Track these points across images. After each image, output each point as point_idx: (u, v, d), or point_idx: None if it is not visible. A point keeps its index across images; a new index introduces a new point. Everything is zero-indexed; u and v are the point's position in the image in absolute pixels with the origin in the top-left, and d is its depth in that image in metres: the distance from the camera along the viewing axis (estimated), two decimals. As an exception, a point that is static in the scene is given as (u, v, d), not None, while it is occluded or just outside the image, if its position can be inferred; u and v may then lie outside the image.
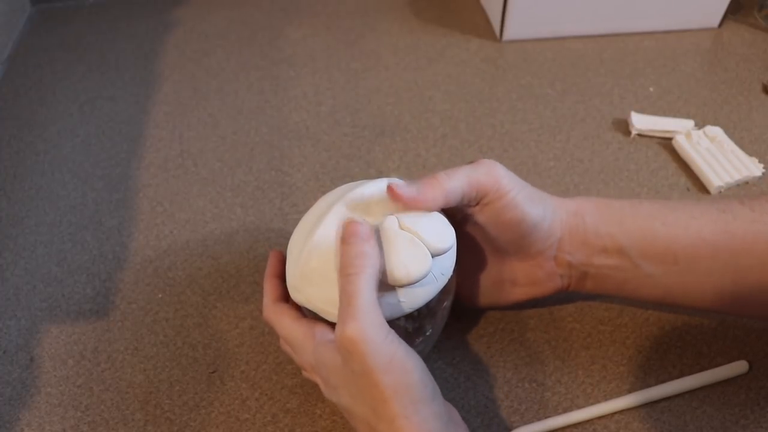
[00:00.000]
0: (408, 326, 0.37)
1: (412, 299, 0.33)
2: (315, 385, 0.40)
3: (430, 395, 0.30)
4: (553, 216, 0.36)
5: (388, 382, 0.29)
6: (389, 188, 0.33)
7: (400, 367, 0.29)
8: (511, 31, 0.70)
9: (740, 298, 0.36)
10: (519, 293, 0.41)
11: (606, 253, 0.37)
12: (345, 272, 0.31)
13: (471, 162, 0.35)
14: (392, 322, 0.34)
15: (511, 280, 0.40)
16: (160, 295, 0.48)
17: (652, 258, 0.36)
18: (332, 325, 0.34)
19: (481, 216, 0.36)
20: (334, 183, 0.55)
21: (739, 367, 0.40)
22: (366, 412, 0.30)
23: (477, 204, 0.35)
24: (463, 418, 0.39)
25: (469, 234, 0.39)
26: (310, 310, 0.35)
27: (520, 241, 0.37)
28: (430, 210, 0.34)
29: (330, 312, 0.33)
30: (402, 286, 0.32)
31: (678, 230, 0.35)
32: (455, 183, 0.33)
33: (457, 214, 0.37)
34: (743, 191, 0.52)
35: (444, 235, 0.33)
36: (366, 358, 0.29)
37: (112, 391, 0.42)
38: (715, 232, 0.35)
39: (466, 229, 0.39)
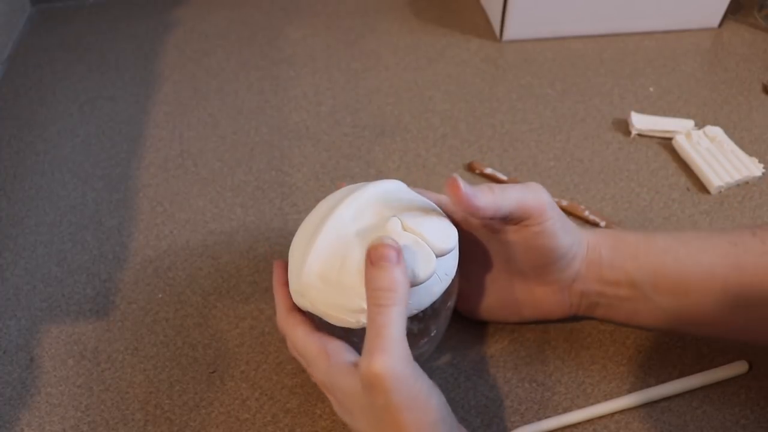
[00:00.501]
0: (413, 327, 0.37)
1: (417, 301, 0.33)
2: (315, 385, 0.40)
3: (447, 422, 0.30)
4: (578, 248, 0.37)
5: (410, 420, 0.29)
6: (451, 180, 0.32)
7: (423, 405, 0.29)
8: (511, 31, 0.70)
9: (749, 328, 0.37)
10: (525, 314, 0.41)
11: (618, 285, 0.37)
12: (376, 303, 0.30)
13: (520, 182, 0.36)
14: None
15: (520, 300, 0.40)
16: (160, 295, 0.48)
17: (663, 291, 0.37)
18: (343, 337, 0.34)
19: (514, 236, 0.36)
20: (334, 183, 0.55)
21: (739, 367, 0.40)
22: None
23: (517, 224, 0.35)
24: (463, 418, 0.39)
25: (488, 249, 0.39)
26: (314, 315, 0.35)
27: (544, 268, 0.37)
28: (476, 215, 0.33)
29: (334, 316, 0.33)
30: None
31: (689, 265, 0.36)
32: (508, 200, 0.34)
33: (489, 228, 0.37)
34: (743, 191, 0.52)
35: (447, 235, 0.33)
36: (391, 395, 0.28)
37: (112, 391, 0.42)
38: (725, 266, 0.35)
39: (490, 244, 0.39)
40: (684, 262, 0.36)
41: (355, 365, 0.31)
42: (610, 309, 0.39)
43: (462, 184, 0.32)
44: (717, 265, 0.36)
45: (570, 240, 0.36)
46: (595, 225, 0.50)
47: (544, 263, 0.37)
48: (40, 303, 0.48)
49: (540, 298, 0.39)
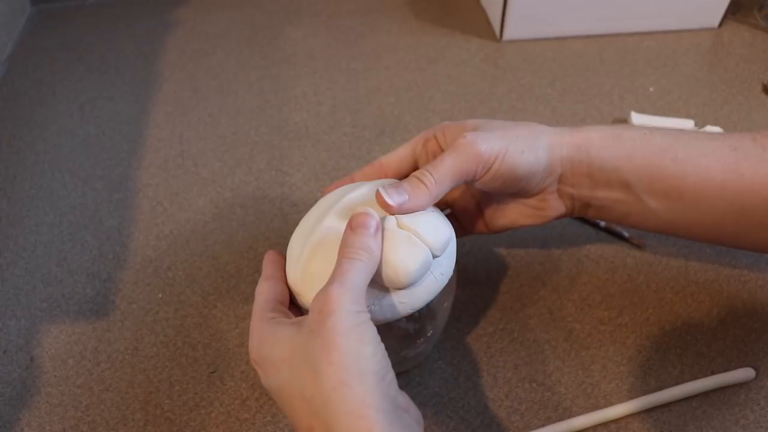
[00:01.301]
0: (409, 327, 0.37)
1: (413, 300, 0.33)
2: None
3: (380, 371, 0.28)
4: (549, 156, 0.36)
5: (341, 344, 0.27)
6: (377, 196, 0.33)
7: (358, 336, 0.28)
8: (511, 31, 0.70)
9: (741, 234, 0.36)
10: (524, 220, 0.41)
11: (609, 187, 0.37)
12: (346, 255, 0.30)
13: (453, 143, 0.35)
14: (394, 324, 0.34)
15: (516, 211, 0.40)
16: (160, 295, 0.48)
17: (657, 194, 0.36)
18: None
19: (475, 185, 0.36)
20: (334, 183, 0.55)
21: (745, 373, 0.40)
22: (304, 383, 0.28)
23: (467, 183, 0.36)
24: (463, 418, 0.39)
25: (467, 189, 0.41)
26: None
27: (517, 189, 0.37)
28: (419, 209, 0.34)
29: None
30: (403, 285, 0.32)
31: (687, 167, 0.35)
32: (443, 181, 0.34)
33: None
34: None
35: (443, 233, 0.33)
36: (331, 316, 0.28)
37: (112, 391, 0.42)
38: (723, 171, 0.35)
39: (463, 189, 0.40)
40: (682, 164, 0.35)
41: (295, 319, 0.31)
42: (601, 210, 0.38)
43: (389, 197, 0.33)
44: (715, 169, 0.35)
45: (531, 157, 0.35)
46: (596, 226, 0.50)
47: (516, 187, 0.37)
48: (40, 303, 0.48)
49: (532, 206, 0.39)
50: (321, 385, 0.27)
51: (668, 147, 0.36)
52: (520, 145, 0.35)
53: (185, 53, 0.73)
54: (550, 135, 0.37)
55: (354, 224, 0.31)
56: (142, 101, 0.66)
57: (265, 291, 0.34)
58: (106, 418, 0.41)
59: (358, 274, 0.30)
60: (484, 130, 0.36)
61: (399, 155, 0.40)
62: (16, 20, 0.79)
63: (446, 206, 0.43)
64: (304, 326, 0.29)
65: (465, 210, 0.42)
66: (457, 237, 0.37)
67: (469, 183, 0.36)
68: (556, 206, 0.39)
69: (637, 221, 0.38)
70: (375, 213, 0.32)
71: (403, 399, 0.30)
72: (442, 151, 0.38)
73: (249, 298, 0.47)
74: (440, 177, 0.34)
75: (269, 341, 0.30)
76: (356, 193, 0.35)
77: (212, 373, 0.43)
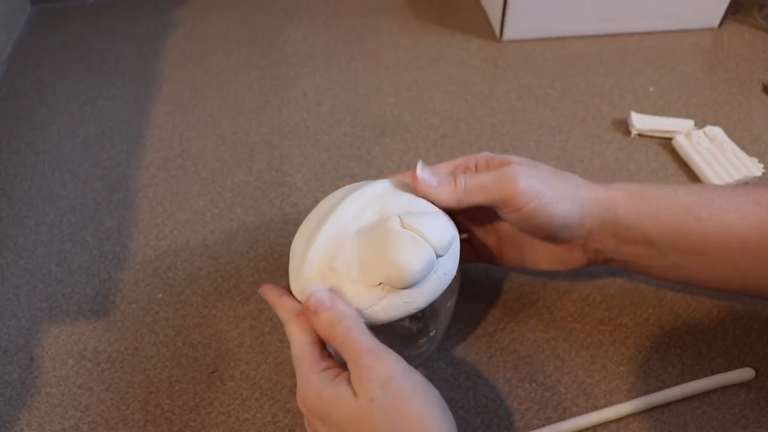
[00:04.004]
0: (412, 327, 0.37)
1: (416, 300, 0.33)
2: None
3: (451, 421, 0.30)
4: (583, 210, 0.36)
5: (413, 409, 0.29)
6: (414, 169, 0.35)
7: (423, 394, 0.30)
8: (511, 31, 0.70)
9: (763, 286, 0.37)
10: (543, 266, 0.41)
11: (634, 243, 0.37)
12: (335, 331, 0.31)
13: (496, 168, 0.36)
14: (397, 323, 0.34)
15: (537, 254, 0.41)
16: (160, 295, 0.48)
17: (680, 251, 0.36)
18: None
19: (504, 217, 0.37)
20: (334, 183, 0.55)
21: (745, 373, 0.40)
22: None
23: (498, 209, 0.36)
24: (463, 418, 0.39)
25: (494, 222, 0.41)
26: None
27: (546, 235, 0.37)
28: (438, 204, 0.35)
29: None
30: (406, 285, 0.32)
31: (710, 225, 0.35)
32: (473, 194, 0.34)
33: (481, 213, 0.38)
34: (743, 191, 0.52)
35: (446, 232, 0.33)
36: (391, 385, 0.29)
37: (112, 391, 0.42)
38: (747, 228, 0.35)
39: (496, 220, 0.40)
40: (705, 222, 0.35)
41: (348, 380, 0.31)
42: (625, 264, 0.39)
43: (420, 172, 0.34)
44: (738, 226, 0.35)
45: (568, 207, 0.36)
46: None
47: (546, 233, 0.37)
48: (40, 303, 0.48)
49: (555, 254, 0.40)
50: None
51: (692, 206, 0.36)
52: (558, 194, 0.36)
53: (185, 53, 0.73)
54: (586, 189, 0.37)
55: (312, 308, 0.32)
56: (142, 101, 0.66)
57: (306, 332, 0.33)
58: (106, 418, 0.41)
59: (365, 334, 0.31)
60: (528, 168, 0.36)
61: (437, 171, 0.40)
62: (16, 20, 0.79)
63: (466, 231, 0.43)
64: (360, 396, 0.29)
65: (483, 240, 0.42)
66: (465, 262, 0.38)
67: (498, 211, 0.36)
68: (579, 257, 0.39)
69: (659, 274, 0.39)
70: (316, 286, 0.33)
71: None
72: None
73: (249, 298, 0.47)
74: (473, 188, 0.34)
75: (330, 401, 0.31)
76: (359, 193, 0.35)
77: (212, 373, 0.43)
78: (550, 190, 0.35)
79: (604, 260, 0.39)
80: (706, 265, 0.37)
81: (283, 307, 0.35)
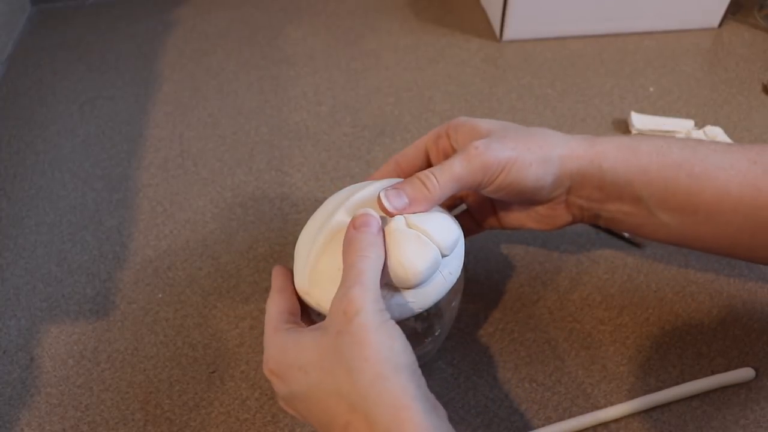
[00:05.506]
0: (417, 326, 0.37)
1: (421, 299, 0.33)
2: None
3: (411, 365, 0.29)
4: (559, 170, 0.36)
5: (373, 340, 0.28)
6: (378, 200, 0.33)
7: (387, 332, 0.29)
8: (511, 31, 0.70)
9: (756, 249, 0.36)
10: (532, 224, 0.40)
11: (621, 200, 0.36)
12: (354, 252, 0.31)
13: (463, 149, 0.35)
14: (402, 323, 0.34)
15: (523, 216, 0.40)
16: (160, 295, 0.48)
17: (670, 208, 0.35)
18: None
19: (480, 193, 0.36)
20: (334, 183, 0.55)
21: (745, 373, 0.40)
22: (338, 381, 0.28)
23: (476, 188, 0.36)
24: (463, 418, 0.39)
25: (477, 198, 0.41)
26: (319, 314, 0.35)
27: (523, 199, 0.37)
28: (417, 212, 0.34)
29: None
30: (412, 284, 0.32)
31: (703, 182, 0.34)
32: (445, 188, 0.34)
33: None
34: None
35: (452, 232, 0.33)
36: (358, 315, 0.28)
37: (112, 391, 0.42)
38: (742, 186, 0.34)
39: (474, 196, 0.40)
40: (698, 179, 0.34)
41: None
42: (611, 221, 0.38)
43: (384, 201, 0.33)
44: (732, 184, 0.34)
45: (540, 171, 0.35)
46: (596, 226, 0.50)
47: (522, 198, 0.37)
48: (40, 303, 0.48)
49: (540, 212, 0.39)
50: (358, 381, 0.27)
51: (685, 161, 0.35)
52: (529, 158, 0.35)
53: (185, 53, 0.73)
54: (562, 147, 0.36)
55: (357, 224, 0.32)
56: (142, 101, 0.66)
57: (276, 303, 0.34)
58: (106, 418, 0.41)
59: (373, 273, 0.30)
60: (497, 138, 0.35)
61: (412, 152, 0.40)
62: (16, 20, 0.79)
63: (460, 201, 0.43)
64: (329, 329, 0.29)
65: (479, 205, 0.42)
66: (469, 234, 0.37)
67: (474, 190, 0.36)
68: (563, 215, 0.39)
69: (648, 233, 0.38)
70: (375, 213, 0.32)
71: (432, 395, 0.30)
72: (453, 150, 0.38)
73: (249, 298, 0.47)
74: (444, 182, 0.34)
75: (293, 349, 0.30)
76: (364, 192, 0.35)
77: (212, 373, 0.43)
78: (519, 156, 0.34)
79: (590, 217, 0.38)
80: (696, 225, 0.35)
81: (273, 283, 0.35)
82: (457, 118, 0.38)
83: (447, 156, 0.37)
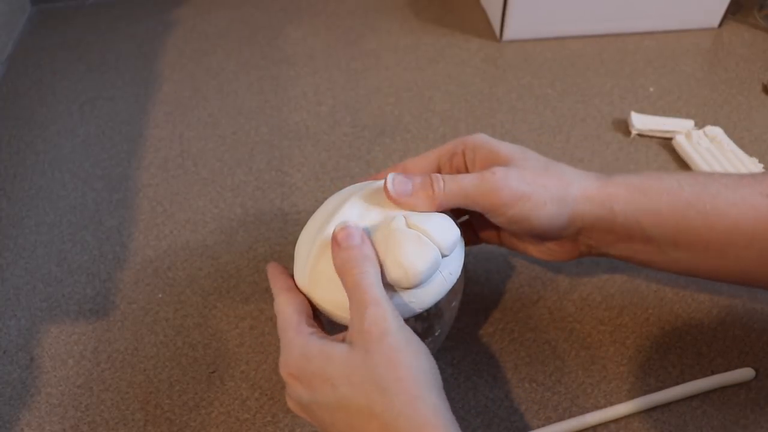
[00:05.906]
0: (418, 327, 0.37)
1: (422, 300, 0.33)
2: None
3: (438, 382, 0.30)
4: (572, 211, 0.35)
5: (405, 360, 0.28)
6: (384, 185, 0.33)
7: (415, 350, 0.29)
8: (511, 31, 0.70)
9: (766, 280, 0.35)
10: (536, 254, 0.40)
11: (631, 240, 0.36)
12: (352, 271, 0.31)
13: (483, 168, 0.35)
14: None
15: (529, 246, 0.40)
16: (160, 295, 0.48)
17: (681, 246, 0.35)
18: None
19: (488, 218, 0.36)
20: (334, 183, 0.55)
21: (745, 373, 0.40)
22: (371, 399, 0.28)
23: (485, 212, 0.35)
24: (463, 418, 0.39)
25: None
26: (321, 313, 0.35)
27: (533, 234, 0.37)
28: (414, 210, 0.34)
29: (338, 314, 0.33)
30: (412, 285, 0.32)
31: (715, 220, 0.34)
32: (451, 199, 0.34)
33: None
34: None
35: (452, 232, 0.33)
36: (388, 336, 0.29)
37: (112, 391, 0.42)
38: (753, 220, 0.33)
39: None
40: (709, 216, 0.34)
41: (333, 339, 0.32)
42: (621, 258, 0.38)
43: (390, 185, 0.33)
44: (744, 219, 0.33)
45: (553, 210, 0.34)
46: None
47: (533, 235, 0.36)
48: (40, 303, 0.48)
49: (548, 246, 0.39)
50: (391, 401, 0.28)
51: (696, 199, 0.34)
52: (544, 196, 0.34)
53: (185, 53, 0.73)
54: (577, 187, 0.35)
55: (340, 240, 0.32)
56: (142, 101, 0.66)
57: (291, 302, 0.33)
58: (106, 418, 0.41)
59: (378, 287, 0.31)
60: (516, 168, 0.34)
61: (423, 163, 0.39)
62: (16, 20, 0.79)
63: (465, 213, 0.42)
64: (356, 345, 0.29)
65: (482, 222, 0.41)
66: (466, 244, 0.37)
67: (483, 214, 0.35)
68: (571, 251, 0.38)
69: (658, 267, 0.38)
70: (352, 223, 0.33)
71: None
72: (467, 170, 0.37)
73: (249, 298, 0.47)
74: (453, 193, 0.33)
75: (318, 357, 0.30)
76: (364, 192, 0.35)
77: (212, 373, 0.43)
78: (535, 193, 0.34)
79: (598, 254, 0.38)
80: (708, 259, 0.35)
81: (277, 282, 0.35)
82: (475, 135, 0.37)
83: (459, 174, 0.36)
